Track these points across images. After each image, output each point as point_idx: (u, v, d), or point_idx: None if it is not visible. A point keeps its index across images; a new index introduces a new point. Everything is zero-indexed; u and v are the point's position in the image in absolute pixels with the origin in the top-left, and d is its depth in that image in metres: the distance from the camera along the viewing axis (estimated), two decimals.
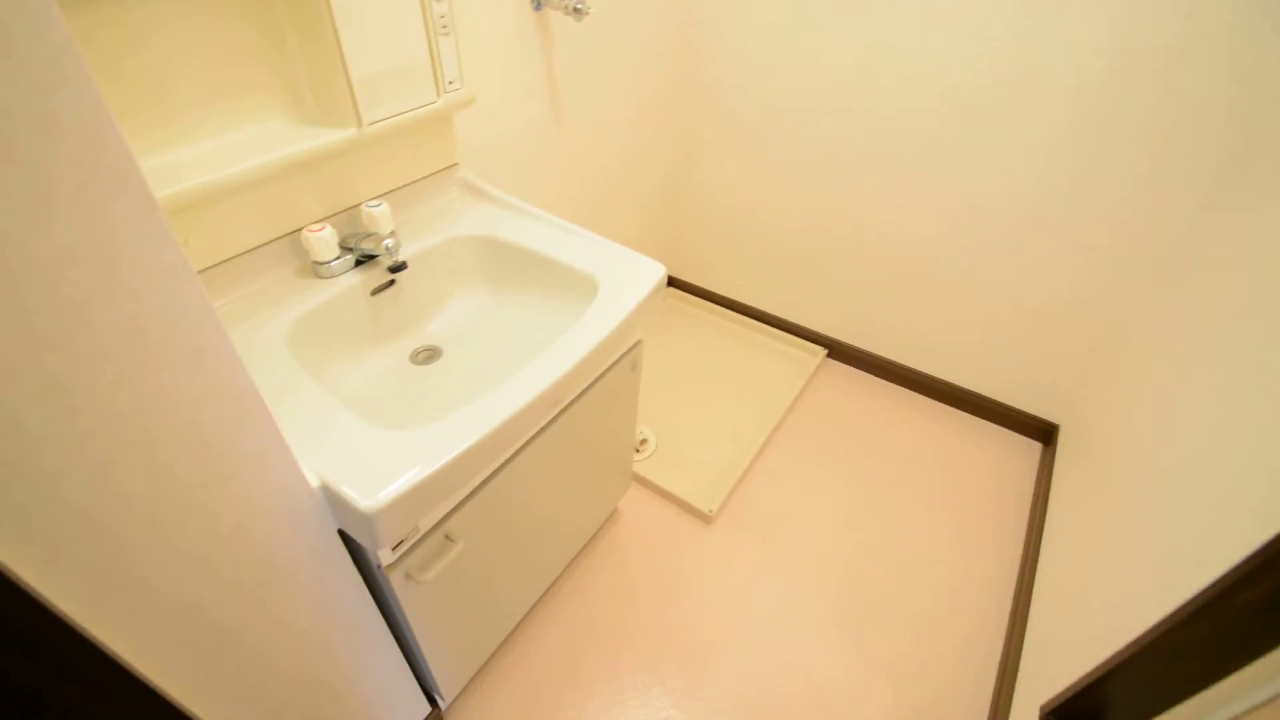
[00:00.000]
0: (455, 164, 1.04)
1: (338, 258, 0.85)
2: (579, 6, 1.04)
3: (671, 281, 2.10)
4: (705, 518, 1.40)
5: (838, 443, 1.61)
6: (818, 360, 1.83)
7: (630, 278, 0.88)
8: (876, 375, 1.81)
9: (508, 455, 0.82)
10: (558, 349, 0.76)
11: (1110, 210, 1.24)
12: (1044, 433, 1.60)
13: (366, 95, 0.79)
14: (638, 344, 1.02)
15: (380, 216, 0.87)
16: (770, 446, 1.59)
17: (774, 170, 1.64)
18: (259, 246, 0.81)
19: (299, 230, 0.84)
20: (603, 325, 0.80)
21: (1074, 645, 0.90)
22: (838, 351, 1.85)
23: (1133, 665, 0.67)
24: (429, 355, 0.92)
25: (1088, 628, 0.89)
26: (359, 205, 0.90)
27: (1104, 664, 0.72)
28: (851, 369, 1.84)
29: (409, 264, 0.90)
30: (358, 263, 0.88)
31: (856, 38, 1.34)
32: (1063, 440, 1.52)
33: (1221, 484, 0.73)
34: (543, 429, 0.86)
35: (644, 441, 1.56)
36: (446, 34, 0.84)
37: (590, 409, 0.97)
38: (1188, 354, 1.01)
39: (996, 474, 1.54)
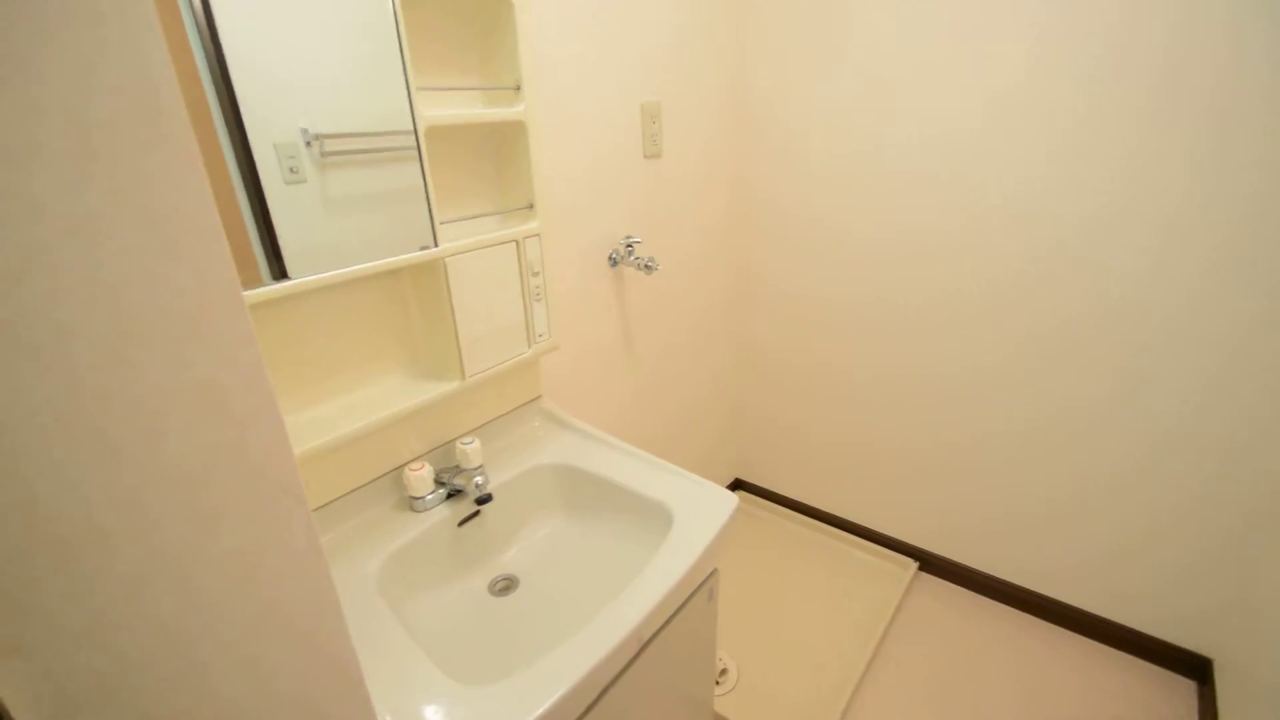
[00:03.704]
0: (539, 396, 1.15)
1: (432, 493, 0.92)
2: (649, 264, 1.21)
3: (742, 485, 2.08)
4: None
5: (945, 680, 1.41)
6: (909, 574, 1.69)
7: (704, 508, 0.90)
8: (978, 592, 1.64)
9: (579, 713, 0.77)
10: (633, 590, 0.75)
11: (1249, 406, 1.17)
12: (1195, 669, 1.35)
13: (470, 353, 0.92)
14: (714, 573, 1.00)
15: (472, 452, 0.95)
16: (868, 681, 1.41)
17: (840, 372, 1.69)
18: (365, 484, 0.90)
19: (400, 468, 0.93)
20: (679, 563, 0.80)
21: None
22: (931, 565, 1.71)
23: None
24: (507, 585, 0.93)
25: None
26: (454, 440, 1.00)
27: None
28: (949, 584, 1.68)
29: (494, 495, 0.96)
30: (448, 495, 0.95)
31: (920, 230, 1.45)
32: (1221, 680, 1.27)
33: None
34: (614, 679, 0.82)
35: (724, 671, 1.43)
36: (539, 300, 0.99)
37: (665, 647, 0.92)
38: None
39: None
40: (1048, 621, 1.54)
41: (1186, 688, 1.35)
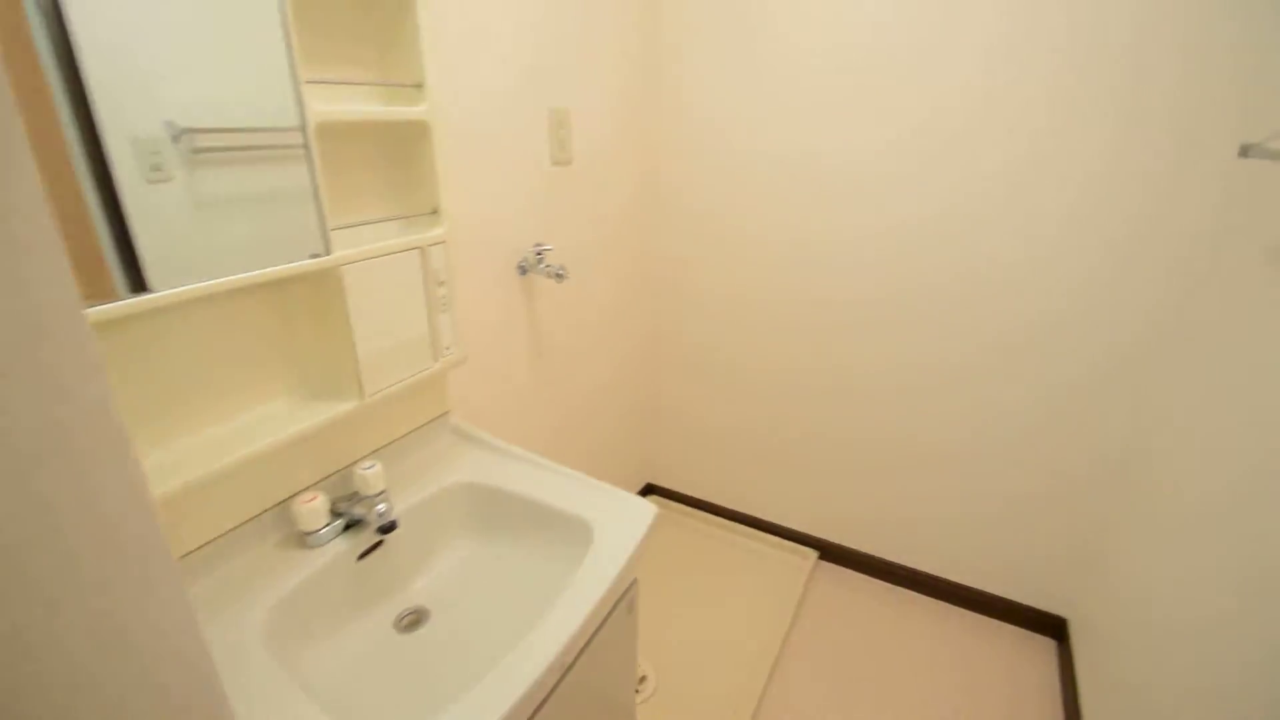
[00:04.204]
0: (447, 412, 1.09)
1: (327, 525, 0.84)
2: (560, 273, 1.18)
3: (653, 489, 2.10)
4: None
5: (848, 661, 1.50)
6: (810, 564, 1.78)
7: (622, 520, 0.88)
8: (873, 575, 1.76)
9: None
10: (555, 613, 0.73)
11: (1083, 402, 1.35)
12: (1053, 628, 1.53)
13: (370, 370, 0.85)
14: (634, 584, 0.99)
15: (373, 477, 0.87)
16: (779, 671, 1.47)
17: (747, 371, 1.75)
18: (246, 521, 0.80)
19: (289, 499, 0.84)
20: (601, 580, 0.78)
21: None
22: (830, 553, 1.81)
23: None
24: (415, 620, 0.87)
25: None
26: (352, 466, 0.91)
27: None
28: (846, 570, 1.79)
29: (399, 521, 0.89)
30: (346, 526, 0.87)
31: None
32: (1075, 637, 1.45)
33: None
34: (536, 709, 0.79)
35: (643, 679, 1.43)
36: (446, 310, 0.94)
37: (587, 664, 0.90)
38: (1190, 529, 1.03)
39: (1015, 680, 1.44)
40: (931, 597, 1.68)
41: (1047, 646, 1.53)
